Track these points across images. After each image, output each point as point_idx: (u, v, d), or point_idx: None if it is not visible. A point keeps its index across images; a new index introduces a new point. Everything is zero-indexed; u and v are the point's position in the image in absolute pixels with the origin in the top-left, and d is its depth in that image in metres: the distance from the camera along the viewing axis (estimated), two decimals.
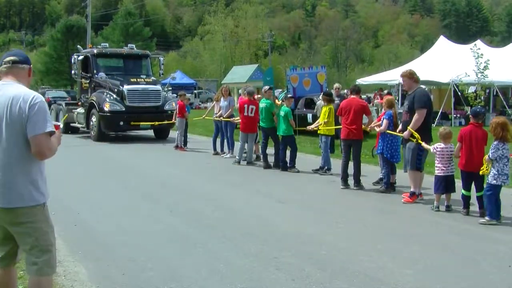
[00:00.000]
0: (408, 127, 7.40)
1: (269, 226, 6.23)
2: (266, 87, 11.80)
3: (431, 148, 7.19)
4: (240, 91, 13.48)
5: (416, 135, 7.27)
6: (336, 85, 14.28)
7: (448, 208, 6.97)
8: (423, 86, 8.02)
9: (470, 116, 7.08)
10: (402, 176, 8.34)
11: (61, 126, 3.57)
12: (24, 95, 3.14)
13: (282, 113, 10.28)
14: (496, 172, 6.28)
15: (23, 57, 3.37)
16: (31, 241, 3.23)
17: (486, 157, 6.41)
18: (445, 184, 6.94)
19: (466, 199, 6.83)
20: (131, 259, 4.96)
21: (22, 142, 3.12)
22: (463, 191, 6.82)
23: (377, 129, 8.33)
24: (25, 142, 3.12)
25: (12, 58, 3.29)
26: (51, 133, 3.18)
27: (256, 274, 4.61)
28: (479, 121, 6.83)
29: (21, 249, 3.35)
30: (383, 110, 8.62)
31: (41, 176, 3.27)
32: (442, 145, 6.99)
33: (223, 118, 12.53)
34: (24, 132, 3.10)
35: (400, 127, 7.89)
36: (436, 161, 7.10)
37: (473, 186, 6.78)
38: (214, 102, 13.68)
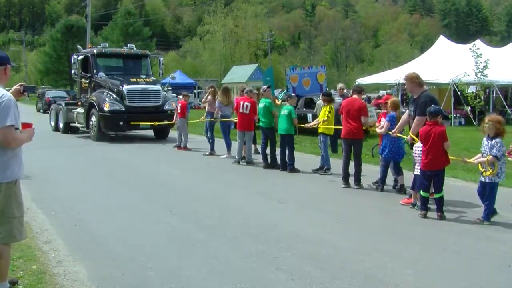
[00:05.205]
0: (409, 132, 7.46)
1: (269, 226, 6.23)
2: (264, 87, 11.91)
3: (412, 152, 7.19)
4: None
5: (416, 139, 7.26)
6: (340, 85, 14.30)
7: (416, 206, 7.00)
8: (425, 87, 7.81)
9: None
10: (404, 177, 8.33)
11: (34, 124, 4.12)
12: None
13: (285, 112, 10.24)
14: None
15: None
16: None
17: (489, 157, 6.22)
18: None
19: (424, 201, 6.68)
20: (131, 259, 4.96)
21: None
22: (421, 192, 6.68)
23: (378, 131, 8.27)
24: None
25: None
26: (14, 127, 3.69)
27: (256, 274, 4.60)
28: (433, 119, 6.61)
29: None
30: (383, 110, 8.56)
31: (10, 160, 3.76)
32: (419, 145, 6.94)
33: (214, 118, 12.72)
34: None
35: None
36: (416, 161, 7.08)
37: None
38: (203, 103, 13.78)
